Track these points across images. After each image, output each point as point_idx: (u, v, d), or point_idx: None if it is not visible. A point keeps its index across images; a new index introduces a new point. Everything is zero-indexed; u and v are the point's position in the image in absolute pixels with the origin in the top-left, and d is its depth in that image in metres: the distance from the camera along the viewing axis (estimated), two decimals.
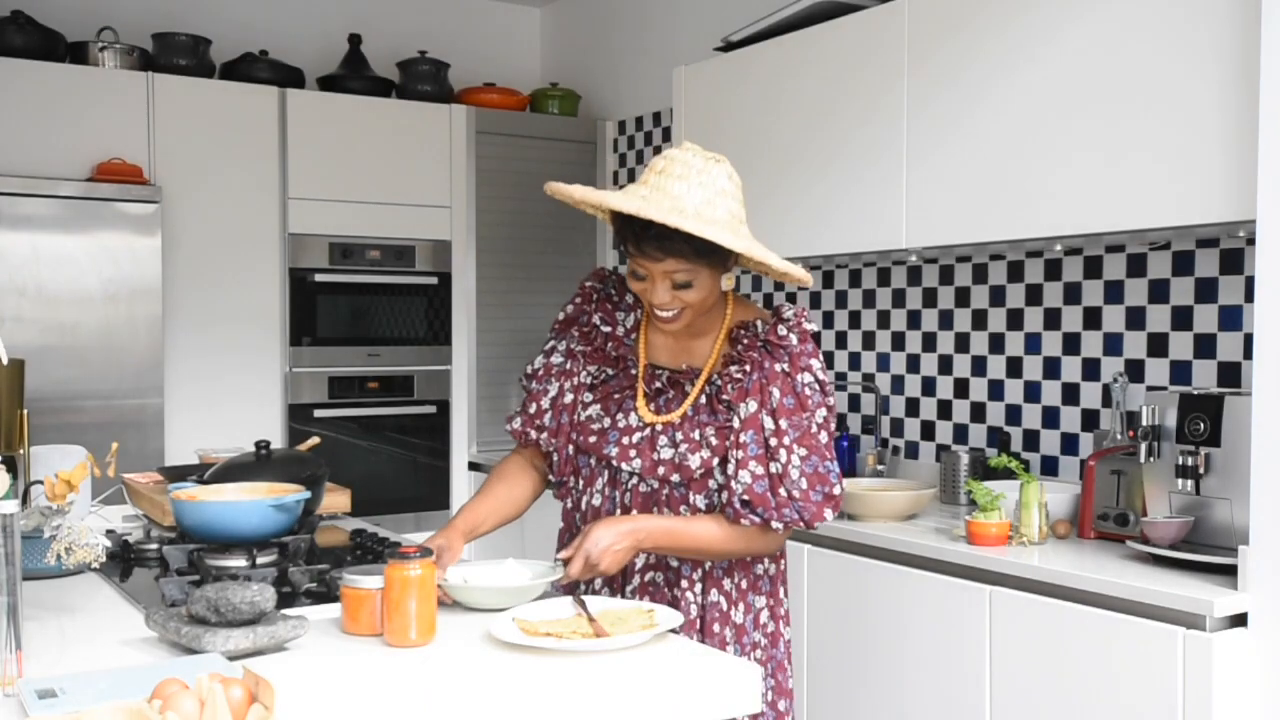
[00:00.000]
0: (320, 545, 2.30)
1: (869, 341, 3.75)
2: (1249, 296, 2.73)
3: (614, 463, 1.97)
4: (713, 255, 1.86)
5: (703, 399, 1.96)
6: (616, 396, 2.01)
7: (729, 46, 3.72)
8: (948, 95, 2.99)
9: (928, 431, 3.56)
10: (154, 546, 2.25)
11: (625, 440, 1.97)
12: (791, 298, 4.00)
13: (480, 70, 4.98)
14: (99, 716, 1.20)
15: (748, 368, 1.93)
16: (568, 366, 2.05)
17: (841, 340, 3.83)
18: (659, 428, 1.96)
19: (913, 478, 3.45)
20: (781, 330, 1.95)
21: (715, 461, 1.93)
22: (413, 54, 4.67)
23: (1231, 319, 2.81)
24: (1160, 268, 2.96)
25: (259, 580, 1.84)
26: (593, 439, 2.00)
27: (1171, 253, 2.93)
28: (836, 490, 1.92)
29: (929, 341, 3.56)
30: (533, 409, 2.08)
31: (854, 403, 3.80)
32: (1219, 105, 2.42)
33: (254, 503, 2.08)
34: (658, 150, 4.57)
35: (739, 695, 1.59)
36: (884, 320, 3.70)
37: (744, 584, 2.02)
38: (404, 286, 4.47)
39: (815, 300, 3.92)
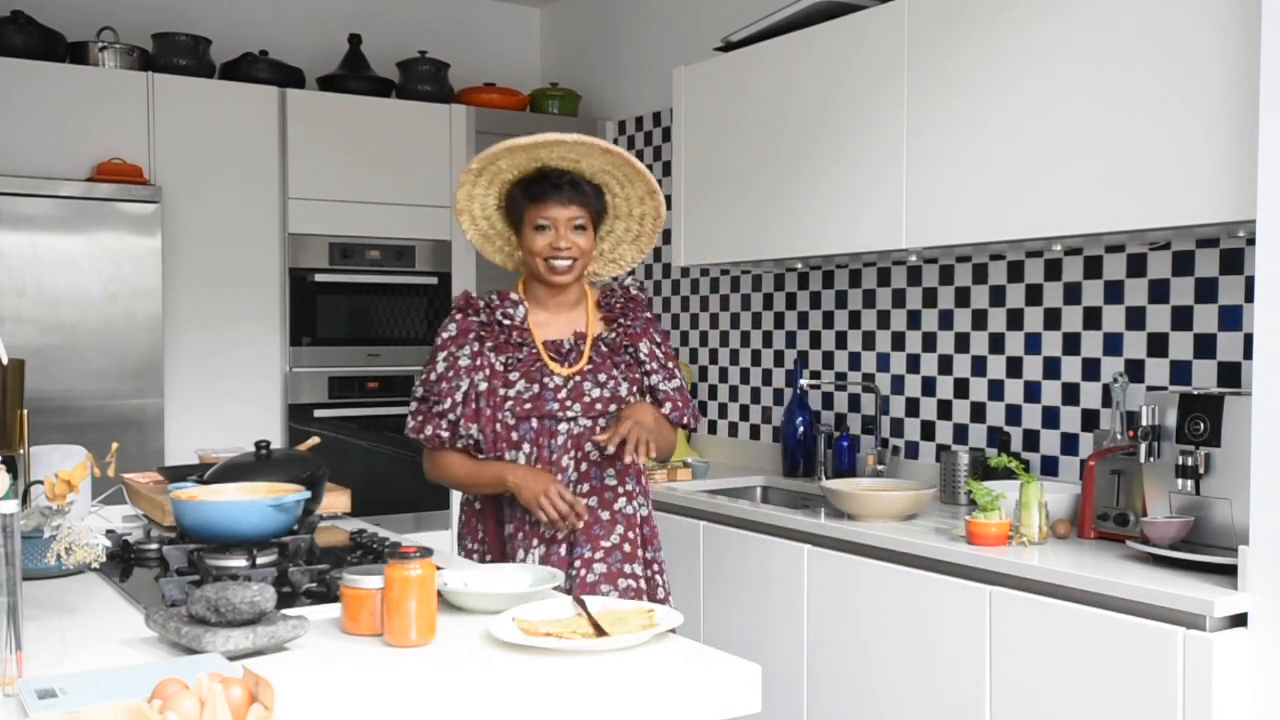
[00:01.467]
0: (320, 545, 2.29)
1: (869, 341, 3.75)
2: (1249, 296, 2.72)
3: (556, 414, 2.40)
4: (599, 205, 2.46)
5: (603, 349, 2.48)
6: (535, 368, 2.43)
7: (729, 46, 3.72)
8: (947, 95, 2.99)
9: (928, 431, 3.56)
10: (154, 546, 2.25)
11: (560, 395, 2.42)
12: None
13: (480, 70, 4.98)
14: (99, 716, 1.20)
15: (630, 318, 2.51)
16: (477, 363, 2.42)
17: (841, 340, 3.83)
18: (577, 378, 2.43)
19: (913, 478, 3.45)
20: (633, 290, 2.56)
21: (625, 389, 2.45)
22: (413, 54, 4.67)
23: (1231, 319, 2.81)
24: (1160, 268, 2.96)
25: (259, 580, 1.84)
26: (529, 405, 2.40)
27: (1171, 253, 2.93)
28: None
29: (929, 341, 3.55)
30: (443, 407, 2.42)
31: (854, 403, 3.80)
32: (1219, 105, 2.42)
33: (254, 503, 2.08)
34: (658, 151, 4.57)
35: (739, 695, 1.59)
36: (884, 320, 3.70)
37: (649, 506, 2.58)
38: (404, 286, 4.47)
39: (815, 300, 3.92)
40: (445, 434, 2.42)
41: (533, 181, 2.42)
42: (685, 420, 2.53)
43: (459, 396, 2.41)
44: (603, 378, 2.45)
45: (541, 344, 2.46)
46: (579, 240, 2.42)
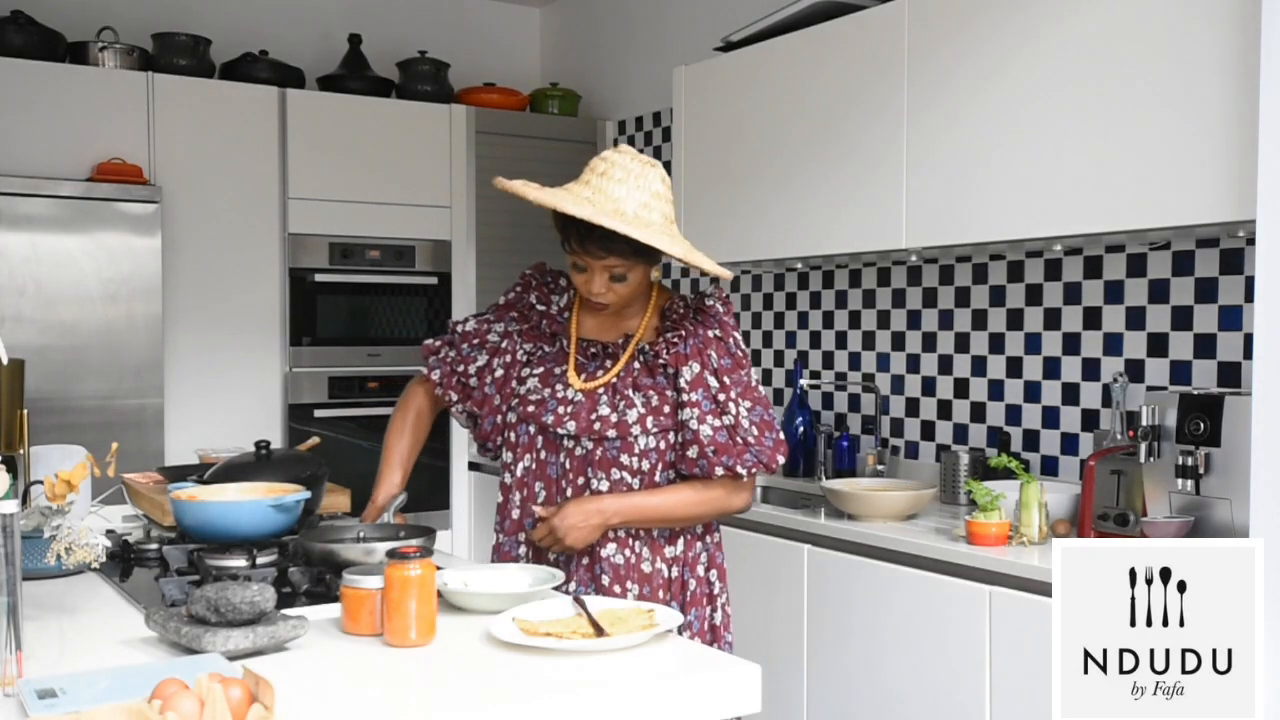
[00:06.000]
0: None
1: (869, 341, 3.74)
2: (1249, 296, 2.72)
3: (550, 428, 2.12)
4: (648, 253, 2.05)
5: (638, 364, 2.13)
6: (557, 371, 2.17)
7: (729, 46, 3.72)
8: (947, 95, 2.99)
9: (928, 431, 3.56)
10: (154, 546, 2.25)
11: (561, 409, 2.12)
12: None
13: (480, 70, 4.98)
14: (99, 716, 1.20)
15: (683, 333, 2.11)
16: (503, 345, 2.21)
17: (841, 340, 3.83)
18: (600, 391, 2.12)
19: (913, 478, 3.45)
20: (709, 302, 2.16)
21: (649, 421, 2.09)
22: (413, 54, 4.67)
23: (1231, 319, 2.81)
24: (1160, 268, 2.96)
25: (259, 580, 1.84)
26: (531, 408, 2.15)
27: (1171, 253, 2.93)
28: (782, 435, 2.14)
29: (929, 341, 3.55)
30: (460, 369, 2.22)
31: (854, 403, 3.80)
32: (1219, 105, 2.42)
33: (254, 503, 2.08)
34: (658, 151, 4.57)
35: (739, 695, 1.59)
36: (884, 320, 3.70)
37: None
38: (404, 286, 4.47)
39: (815, 300, 3.92)
40: (438, 380, 2.23)
41: (567, 218, 2.04)
42: (736, 468, 2.07)
43: (473, 369, 2.20)
44: (629, 395, 2.10)
45: (576, 341, 2.19)
46: (618, 287, 2.08)
